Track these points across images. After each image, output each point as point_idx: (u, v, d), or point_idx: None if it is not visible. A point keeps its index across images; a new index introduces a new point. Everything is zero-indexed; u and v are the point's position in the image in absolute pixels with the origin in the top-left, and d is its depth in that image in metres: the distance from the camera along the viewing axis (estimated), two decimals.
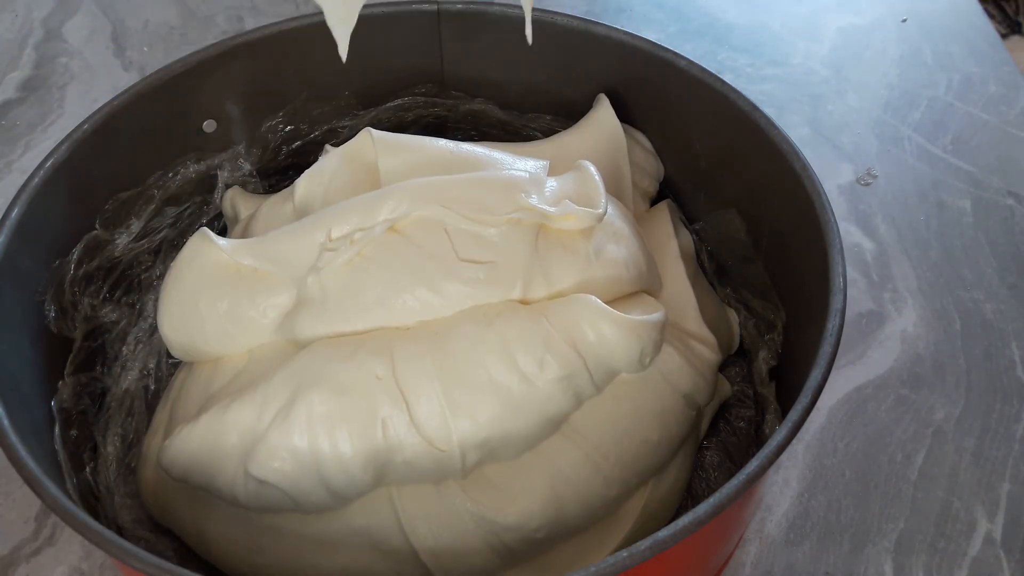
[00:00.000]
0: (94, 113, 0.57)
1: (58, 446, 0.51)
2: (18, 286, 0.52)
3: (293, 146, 0.67)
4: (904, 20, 0.90)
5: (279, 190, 0.63)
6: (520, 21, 0.63)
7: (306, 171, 0.58)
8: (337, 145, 0.63)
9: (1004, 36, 1.71)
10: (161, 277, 0.63)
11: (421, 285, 0.49)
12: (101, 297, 0.59)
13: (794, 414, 0.43)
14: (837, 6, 0.92)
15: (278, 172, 0.68)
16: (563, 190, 0.52)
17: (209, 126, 0.63)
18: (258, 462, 0.47)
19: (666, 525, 0.40)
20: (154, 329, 0.62)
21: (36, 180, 0.53)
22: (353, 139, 0.58)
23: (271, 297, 0.52)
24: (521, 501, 0.49)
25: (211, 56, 0.60)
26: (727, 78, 0.58)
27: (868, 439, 0.61)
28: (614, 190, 0.60)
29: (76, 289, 0.57)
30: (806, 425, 0.50)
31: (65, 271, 0.56)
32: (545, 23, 0.62)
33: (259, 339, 0.53)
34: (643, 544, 0.39)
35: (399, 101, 0.67)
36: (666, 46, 0.60)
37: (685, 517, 0.40)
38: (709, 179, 0.63)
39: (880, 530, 0.57)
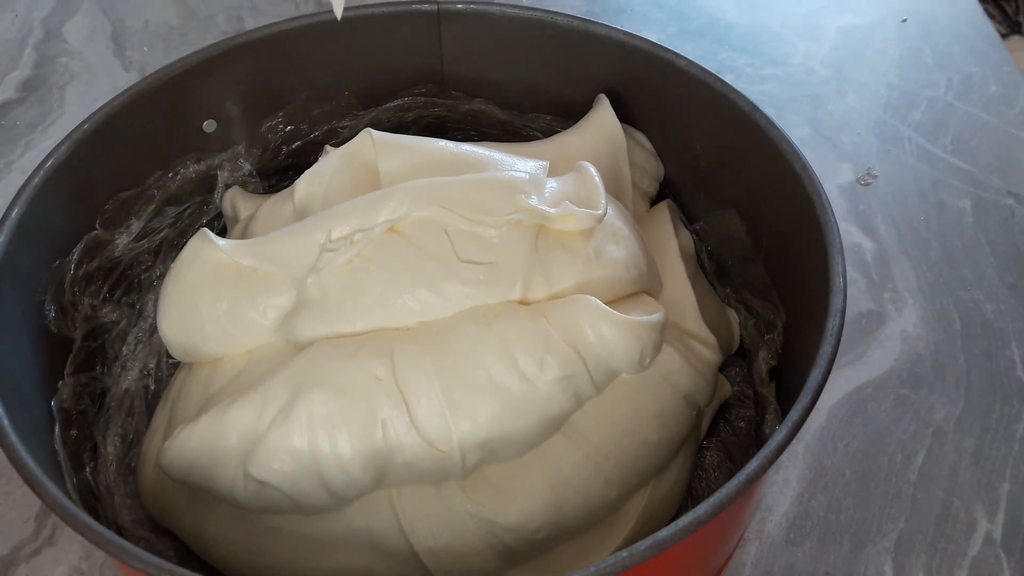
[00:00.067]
0: (94, 113, 0.57)
1: (58, 446, 0.51)
2: (18, 286, 0.52)
3: (293, 146, 0.67)
4: (904, 20, 0.90)
5: (279, 190, 0.63)
6: (521, 21, 0.63)
7: (306, 171, 0.58)
8: (337, 145, 0.63)
9: (1004, 36, 1.71)
10: (161, 277, 0.63)
11: (421, 286, 0.49)
12: (101, 297, 0.59)
13: (794, 414, 0.43)
14: (837, 6, 0.92)
15: (278, 172, 0.68)
16: (563, 191, 0.52)
17: (209, 126, 0.63)
18: (258, 463, 0.47)
19: (666, 525, 0.40)
20: (154, 329, 0.62)
21: (36, 180, 0.53)
22: (353, 140, 0.58)
23: (271, 298, 0.52)
24: (521, 502, 0.49)
25: (211, 56, 0.60)
26: (727, 78, 0.58)
27: (868, 439, 0.61)
28: (614, 190, 0.60)
29: (76, 289, 0.57)
30: (806, 425, 0.50)
31: (65, 271, 0.56)
32: (545, 23, 0.62)
33: (259, 340, 0.53)
34: (643, 544, 0.39)
35: (399, 101, 0.67)
36: (666, 46, 0.60)
37: (685, 517, 0.40)
38: (709, 179, 0.63)
39: (880, 530, 0.57)
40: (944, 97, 0.83)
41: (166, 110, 0.60)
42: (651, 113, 0.64)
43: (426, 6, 0.63)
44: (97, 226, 0.58)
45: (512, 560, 0.50)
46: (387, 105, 0.67)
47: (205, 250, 0.54)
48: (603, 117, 0.62)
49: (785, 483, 0.59)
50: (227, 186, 0.65)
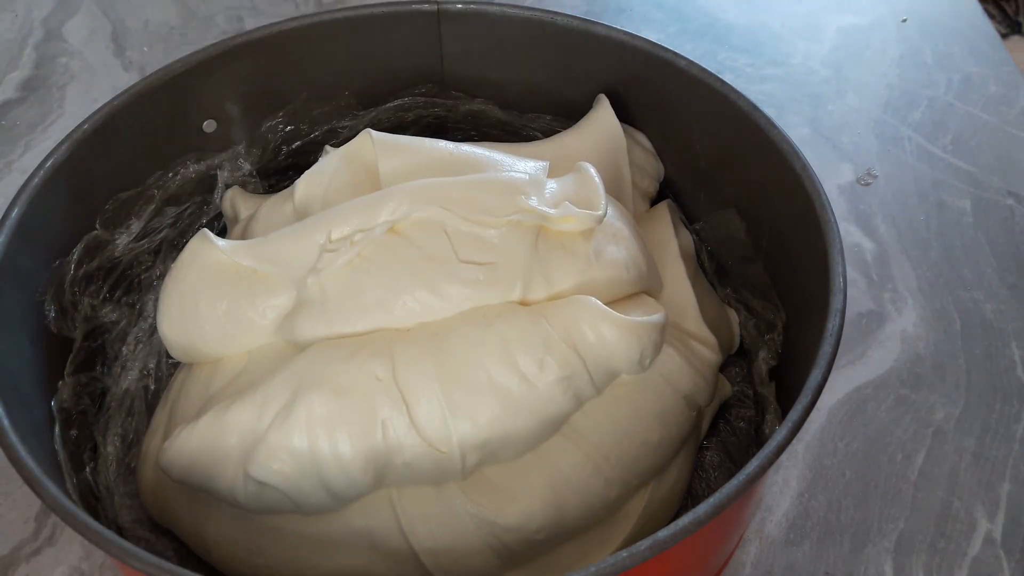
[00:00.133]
0: (94, 113, 0.57)
1: (58, 446, 0.51)
2: (18, 286, 0.52)
3: (293, 146, 0.67)
4: (904, 20, 0.90)
5: (279, 190, 0.63)
6: (521, 21, 0.63)
7: (306, 172, 0.58)
8: (337, 145, 0.63)
9: (1004, 36, 1.71)
10: (161, 277, 0.63)
11: (421, 286, 0.49)
12: (101, 297, 0.59)
13: (794, 414, 0.43)
14: (837, 6, 0.92)
15: (278, 172, 0.68)
16: (563, 192, 0.52)
17: (209, 126, 0.63)
18: (258, 463, 0.47)
19: (666, 525, 0.40)
20: (154, 329, 0.62)
21: (36, 180, 0.53)
22: (353, 140, 0.58)
23: (271, 298, 0.52)
24: (521, 502, 0.49)
25: (211, 56, 0.60)
26: (727, 78, 0.58)
27: (868, 439, 0.61)
28: (614, 190, 0.60)
29: (76, 289, 0.57)
30: (806, 425, 0.50)
31: (65, 271, 0.56)
32: (545, 23, 0.62)
33: (259, 340, 0.53)
34: (643, 544, 0.39)
35: (399, 101, 0.67)
36: (666, 46, 0.60)
37: (685, 517, 0.40)
38: (709, 179, 0.63)
39: (880, 530, 0.57)
40: (944, 97, 0.83)
41: (166, 110, 0.60)
42: (651, 113, 0.64)
43: (426, 6, 0.63)
44: (97, 226, 0.58)
45: (512, 561, 0.49)
46: (387, 105, 0.67)
47: (205, 250, 0.54)
48: (603, 117, 0.62)
49: (785, 483, 0.59)
50: (227, 186, 0.65)
